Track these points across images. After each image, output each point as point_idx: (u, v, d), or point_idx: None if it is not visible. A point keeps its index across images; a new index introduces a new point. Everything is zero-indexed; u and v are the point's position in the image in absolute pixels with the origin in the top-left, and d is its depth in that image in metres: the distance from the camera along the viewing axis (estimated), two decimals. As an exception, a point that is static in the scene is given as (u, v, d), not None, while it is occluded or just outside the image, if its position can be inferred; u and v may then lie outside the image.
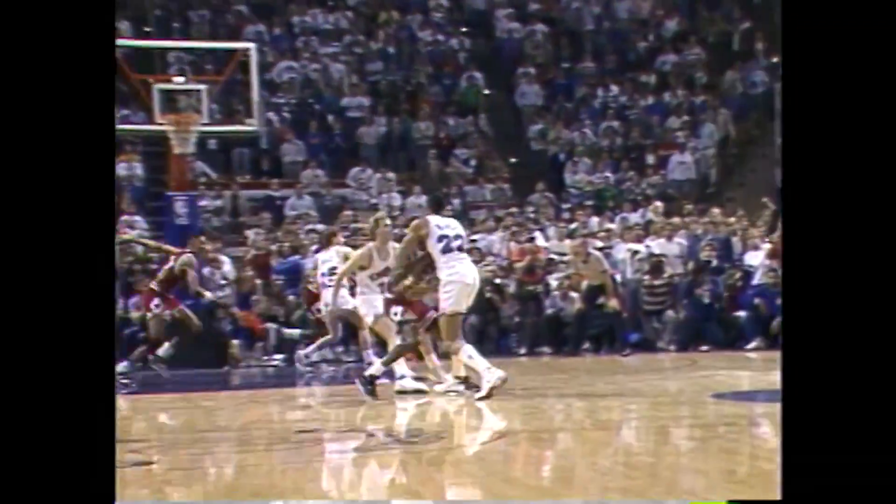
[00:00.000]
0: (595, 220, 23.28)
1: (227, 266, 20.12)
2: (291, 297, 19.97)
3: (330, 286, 14.75)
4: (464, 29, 29.54)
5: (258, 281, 20.08)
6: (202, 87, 21.19)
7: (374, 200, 24.22)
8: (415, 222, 12.10)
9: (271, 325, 19.60)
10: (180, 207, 20.92)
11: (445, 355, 12.56)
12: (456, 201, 24.02)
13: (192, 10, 28.16)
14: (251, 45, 22.87)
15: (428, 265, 12.00)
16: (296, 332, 19.42)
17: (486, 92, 28.12)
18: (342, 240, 15.83)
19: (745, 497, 5.58)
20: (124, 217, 21.15)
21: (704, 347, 19.29)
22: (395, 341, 12.49)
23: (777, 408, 5.54)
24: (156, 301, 16.43)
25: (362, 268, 13.00)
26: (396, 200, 24.41)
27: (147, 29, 26.92)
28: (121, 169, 23.05)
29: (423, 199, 22.40)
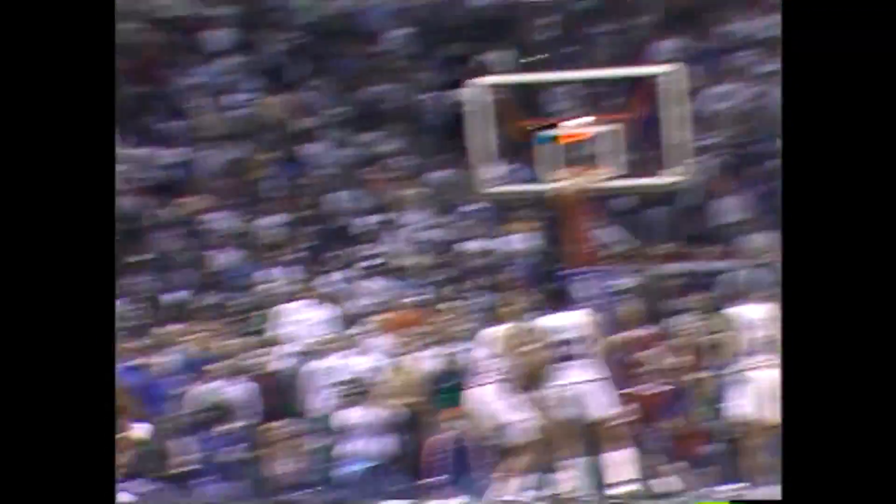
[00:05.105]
0: None
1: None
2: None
3: None
4: None
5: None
6: (607, 128, 17.43)
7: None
8: None
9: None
10: (583, 288, 16.95)
11: None
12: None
13: (593, 25, 24.88)
14: (673, 68, 18.36)
15: None
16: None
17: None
18: None
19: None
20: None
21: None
22: None
23: None
24: None
25: None
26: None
27: (529, 59, 23.86)
28: (507, 242, 21.02)
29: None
